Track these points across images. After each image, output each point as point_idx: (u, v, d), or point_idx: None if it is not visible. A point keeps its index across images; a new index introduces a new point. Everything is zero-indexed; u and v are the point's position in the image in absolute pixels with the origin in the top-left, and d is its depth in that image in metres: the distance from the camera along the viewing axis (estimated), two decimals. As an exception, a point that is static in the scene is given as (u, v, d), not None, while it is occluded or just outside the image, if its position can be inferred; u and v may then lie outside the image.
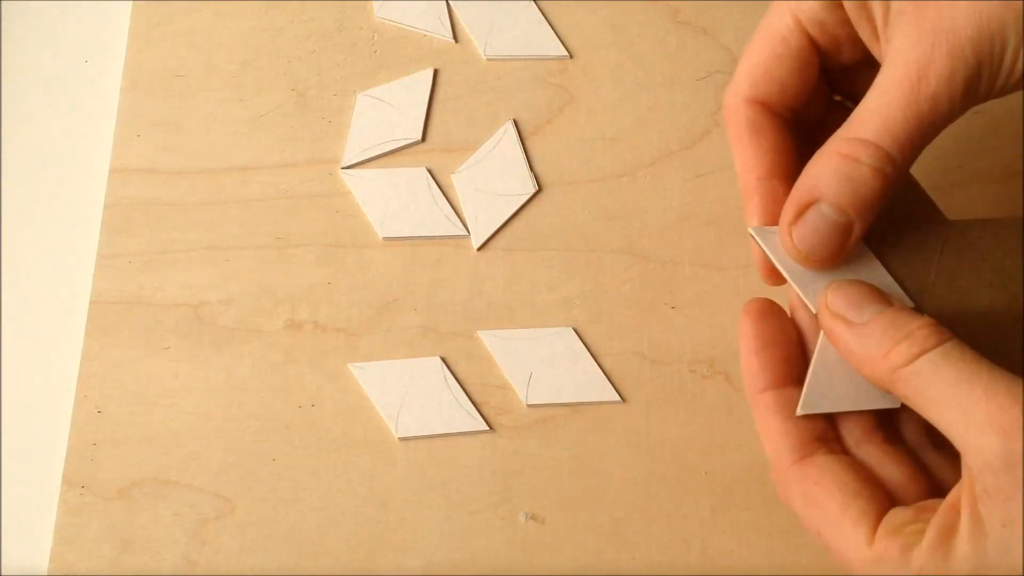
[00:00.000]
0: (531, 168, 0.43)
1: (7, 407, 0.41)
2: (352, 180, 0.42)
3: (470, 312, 0.41)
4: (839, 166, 0.29)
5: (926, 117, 0.29)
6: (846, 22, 0.32)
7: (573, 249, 0.42)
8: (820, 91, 0.34)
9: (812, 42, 0.32)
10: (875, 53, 0.31)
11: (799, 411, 0.31)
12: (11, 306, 0.43)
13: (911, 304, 0.31)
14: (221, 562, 0.38)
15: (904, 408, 0.29)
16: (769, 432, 0.32)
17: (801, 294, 0.31)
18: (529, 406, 0.39)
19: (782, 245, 0.31)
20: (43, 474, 0.40)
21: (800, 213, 0.30)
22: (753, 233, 0.32)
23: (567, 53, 0.44)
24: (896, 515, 0.29)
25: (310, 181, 0.43)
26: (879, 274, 0.31)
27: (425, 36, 0.45)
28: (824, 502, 0.29)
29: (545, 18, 0.45)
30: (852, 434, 0.32)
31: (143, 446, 0.39)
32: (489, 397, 0.40)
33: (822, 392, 0.31)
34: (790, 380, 0.32)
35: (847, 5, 0.31)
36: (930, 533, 0.27)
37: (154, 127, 0.44)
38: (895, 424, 0.32)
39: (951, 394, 0.26)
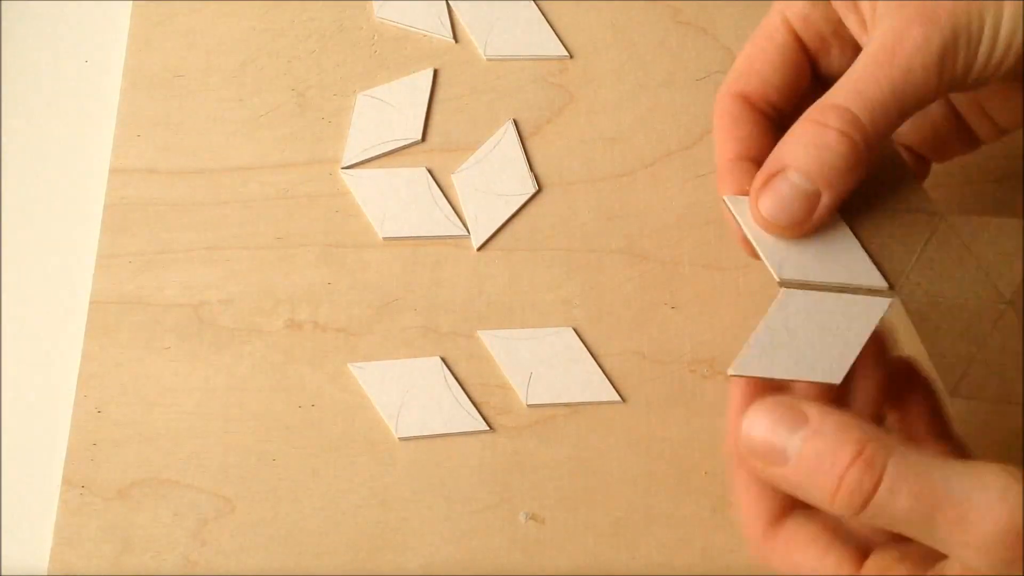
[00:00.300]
0: (531, 168, 0.43)
1: (7, 407, 0.41)
2: (352, 180, 0.42)
3: (470, 312, 0.41)
4: (806, 132, 0.28)
5: (899, 84, 0.28)
6: (831, 18, 0.32)
7: (573, 249, 0.42)
8: (813, 94, 0.33)
9: (797, 39, 0.33)
10: (863, 44, 0.31)
11: (731, 371, 0.30)
12: (11, 306, 0.43)
13: (882, 284, 0.30)
14: (221, 562, 0.38)
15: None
16: (746, 502, 0.30)
17: (769, 266, 0.30)
18: (529, 406, 0.39)
19: (750, 213, 0.30)
20: (43, 474, 0.40)
21: (767, 181, 0.29)
22: (727, 202, 0.31)
23: (567, 53, 0.44)
24: (877, 558, 0.28)
25: (310, 181, 0.43)
26: (853, 252, 0.30)
27: (425, 36, 0.45)
28: (801, 561, 0.28)
29: (545, 18, 0.45)
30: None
31: (143, 446, 0.39)
32: (489, 397, 0.40)
33: (760, 355, 0.30)
34: None
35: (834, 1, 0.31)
36: (908, 563, 0.26)
37: (154, 127, 0.44)
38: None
39: (921, 514, 0.25)
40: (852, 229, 0.31)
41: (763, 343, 0.30)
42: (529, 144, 0.43)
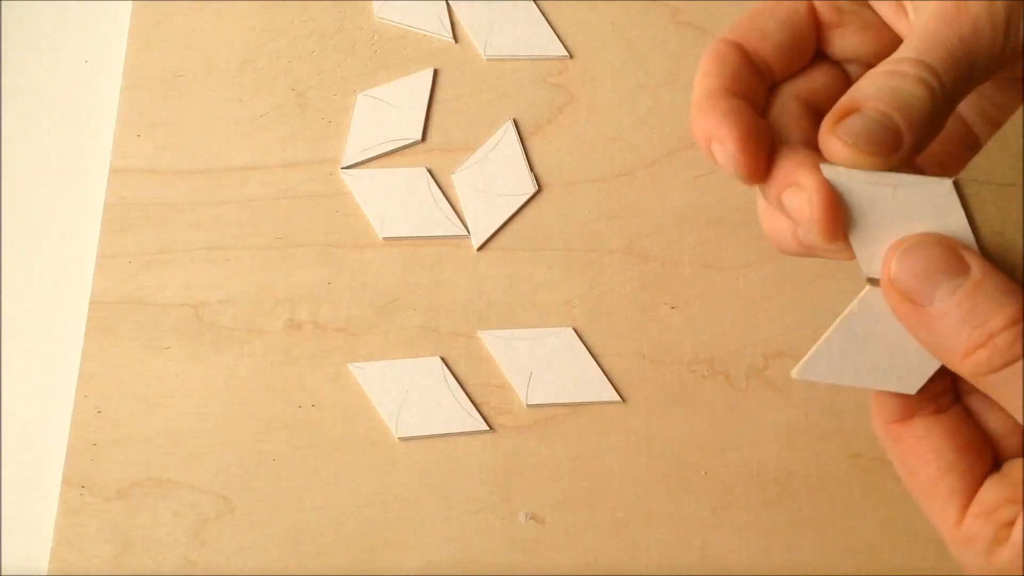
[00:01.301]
0: (531, 168, 0.43)
1: (7, 407, 0.41)
2: (352, 180, 0.42)
3: (470, 312, 0.41)
4: (878, 79, 0.27)
5: (968, 38, 0.27)
6: None
7: (573, 249, 0.42)
8: (814, 75, 0.31)
9: (812, 7, 0.30)
10: (898, 29, 0.30)
11: (795, 374, 0.27)
12: (11, 306, 0.43)
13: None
14: (221, 562, 0.38)
15: None
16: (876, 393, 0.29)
17: (859, 260, 0.27)
18: (529, 406, 0.39)
19: (824, 150, 0.27)
20: (43, 474, 0.40)
21: (842, 117, 0.27)
22: (824, 170, 0.27)
23: (567, 53, 0.44)
24: (990, 491, 0.27)
25: (310, 181, 0.43)
26: (959, 226, 0.27)
27: (425, 36, 0.45)
28: (918, 472, 0.28)
29: (545, 18, 0.45)
30: (964, 382, 0.29)
31: (143, 446, 0.39)
32: (489, 397, 0.40)
33: (829, 360, 0.27)
34: None
35: None
36: (1017, 532, 0.25)
37: (154, 127, 0.44)
38: None
39: None
40: (967, 206, 0.27)
41: (836, 345, 0.27)
42: (529, 144, 0.43)
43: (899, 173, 0.27)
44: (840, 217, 0.27)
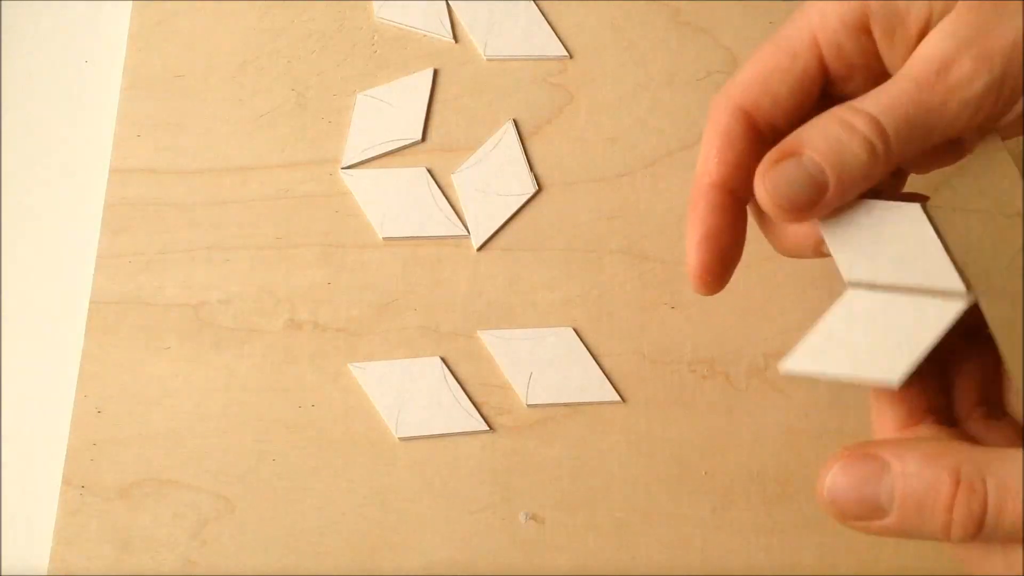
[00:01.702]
0: (531, 168, 0.43)
1: (7, 407, 0.41)
2: (352, 180, 0.42)
3: (470, 312, 0.41)
4: (830, 126, 0.28)
5: (934, 110, 0.28)
6: (867, 51, 0.30)
7: (573, 249, 0.42)
8: (815, 111, 0.31)
9: (822, 66, 0.30)
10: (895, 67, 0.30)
11: (783, 368, 0.29)
12: (11, 306, 0.43)
13: (960, 287, 0.29)
14: (221, 562, 0.38)
15: (1007, 379, 0.29)
16: (882, 398, 0.30)
17: (838, 265, 0.29)
18: (529, 406, 0.39)
19: (756, 194, 0.29)
20: (43, 474, 0.40)
21: (781, 160, 0.28)
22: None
23: (567, 53, 0.44)
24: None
25: (310, 181, 0.43)
26: (932, 252, 0.29)
27: (425, 36, 0.45)
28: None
29: (545, 18, 0.45)
30: (962, 405, 0.30)
31: (143, 446, 0.39)
32: (489, 397, 0.40)
33: (816, 352, 0.29)
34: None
35: (877, 29, 0.29)
36: None
37: (154, 127, 0.44)
38: (1000, 397, 0.31)
39: None
40: (936, 228, 0.29)
41: (820, 341, 0.29)
42: (529, 144, 0.43)
43: (869, 200, 0.29)
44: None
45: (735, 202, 0.31)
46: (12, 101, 0.46)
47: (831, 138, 0.28)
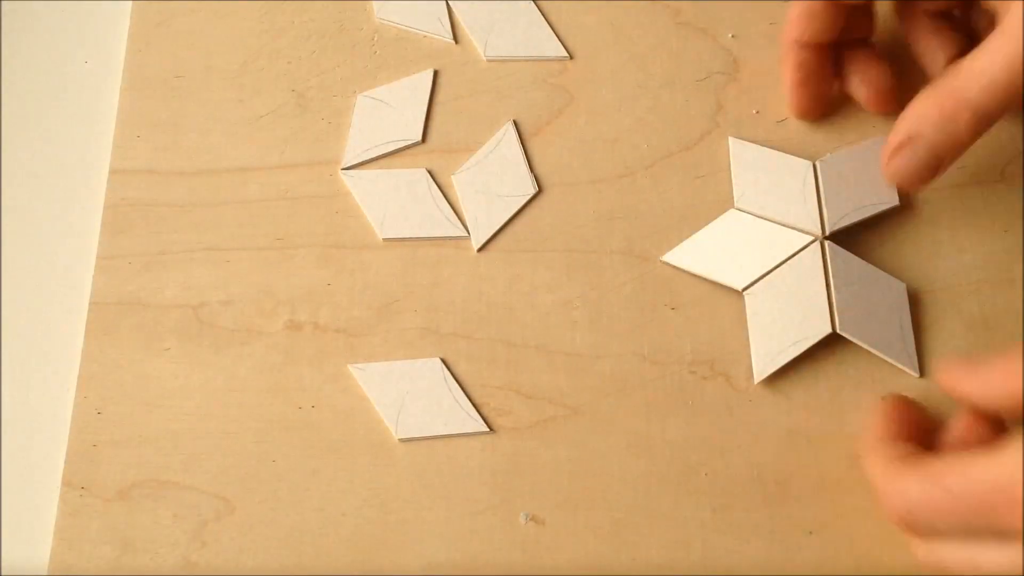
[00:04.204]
0: (531, 169, 0.43)
1: (7, 407, 0.41)
2: (352, 181, 0.42)
3: (470, 313, 0.41)
4: (940, 118, 0.35)
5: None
6: None
7: (573, 250, 0.42)
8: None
9: None
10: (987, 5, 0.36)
11: (663, 258, 0.40)
12: (11, 306, 0.43)
13: (818, 232, 0.40)
14: (221, 563, 0.38)
15: None
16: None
17: (735, 193, 0.41)
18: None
19: (883, 168, 0.38)
20: (43, 474, 0.40)
21: (902, 145, 0.37)
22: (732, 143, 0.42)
23: (567, 54, 0.44)
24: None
25: (310, 182, 0.43)
26: (807, 200, 0.40)
27: (425, 37, 0.45)
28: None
29: (545, 18, 0.45)
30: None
31: (143, 447, 0.39)
32: (489, 398, 0.40)
33: (690, 253, 0.40)
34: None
35: None
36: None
37: (154, 128, 0.44)
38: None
39: None
40: (817, 181, 0.41)
41: (695, 245, 0.40)
42: (529, 145, 0.43)
43: (777, 152, 0.42)
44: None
45: (814, 53, 0.41)
46: (12, 101, 0.46)
47: (942, 131, 0.35)
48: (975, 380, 0.33)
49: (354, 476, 0.39)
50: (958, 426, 0.34)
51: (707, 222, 0.42)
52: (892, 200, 0.40)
